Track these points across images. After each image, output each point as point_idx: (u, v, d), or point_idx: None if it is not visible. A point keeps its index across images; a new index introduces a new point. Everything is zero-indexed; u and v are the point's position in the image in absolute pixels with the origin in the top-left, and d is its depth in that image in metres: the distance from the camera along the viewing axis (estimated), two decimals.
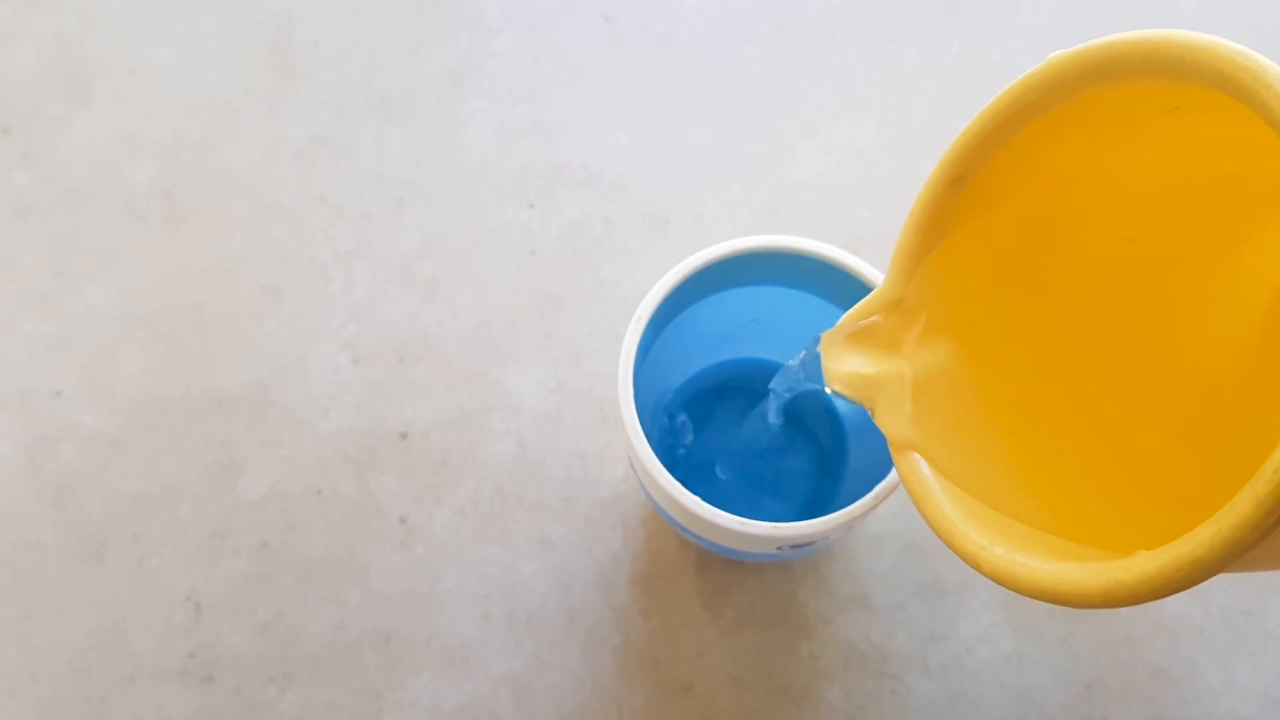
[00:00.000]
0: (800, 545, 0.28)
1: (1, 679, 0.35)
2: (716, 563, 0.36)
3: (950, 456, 0.22)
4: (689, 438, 0.36)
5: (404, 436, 0.37)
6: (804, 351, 0.26)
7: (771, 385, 0.29)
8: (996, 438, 0.23)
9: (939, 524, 0.21)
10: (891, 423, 0.23)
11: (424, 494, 0.37)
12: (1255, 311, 0.23)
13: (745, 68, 0.43)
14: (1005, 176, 0.22)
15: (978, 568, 0.20)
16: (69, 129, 0.42)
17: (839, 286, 0.29)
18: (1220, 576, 0.16)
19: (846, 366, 0.24)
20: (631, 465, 0.31)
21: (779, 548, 0.28)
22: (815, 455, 0.36)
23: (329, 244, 0.40)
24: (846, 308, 0.30)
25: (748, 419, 0.33)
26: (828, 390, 0.24)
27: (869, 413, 0.24)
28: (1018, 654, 0.35)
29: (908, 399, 0.23)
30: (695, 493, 0.27)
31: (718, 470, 0.35)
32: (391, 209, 0.40)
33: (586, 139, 0.41)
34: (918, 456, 0.22)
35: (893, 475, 0.27)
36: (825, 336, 0.24)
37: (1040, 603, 0.35)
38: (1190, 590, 0.35)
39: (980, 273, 0.23)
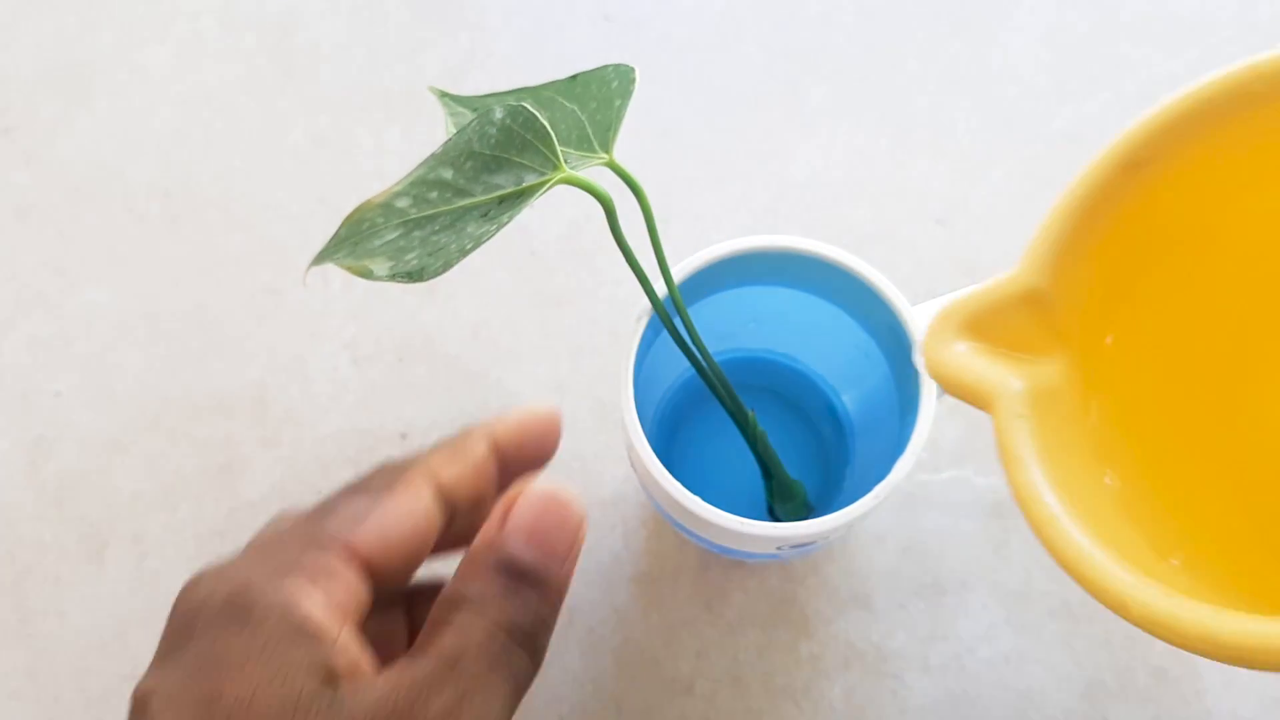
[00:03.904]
0: (800, 545, 0.28)
1: (1, 679, 0.35)
2: (716, 563, 0.36)
3: (1075, 475, 0.19)
4: (689, 437, 0.36)
5: (404, 436, 0.37)
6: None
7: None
8: (1127, 466, 0.20)
9: (1065, 554, 0.17)
10: (1008, 429, 0.19)
11: None
12: None
13: (745, 68, 0.43)
14: (1189, 184, 0.19)
15: (1124, 611, 0.16)
16: (69, 129, 0.42)
17: (839, 286, 0.29)
18: None
19: (957, 359, 0.20)
20: (631, 465, 0.31)
21: (779, 548, 0.28)
22: (818, 455, 0.36)
23: None
24: (846, 307, 0.30)
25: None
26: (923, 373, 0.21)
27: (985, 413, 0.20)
28: (1018, 654, 0.35)
29: (1030, 406, 0.19)
30: (695, 493, 0.27)
31: (718, 470, 0.35)
32: None
33: None
34: (1037, 473, 0.18)
35: (893, 475, 0.27)
36: (938, 317, 0.21)
37: (1040, 602, 0.35)
38: None
39: (1145, 290, 0.20)
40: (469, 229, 0.23)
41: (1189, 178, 0.19)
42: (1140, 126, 0.19)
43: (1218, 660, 0.15)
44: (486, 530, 0.23)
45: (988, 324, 0.20)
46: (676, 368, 0.34)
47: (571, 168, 0.23)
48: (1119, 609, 0.17)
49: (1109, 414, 0.20)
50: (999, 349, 0.20)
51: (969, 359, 0.20)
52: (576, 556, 0.23)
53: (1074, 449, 0.20)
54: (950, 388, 0.20)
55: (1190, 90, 0.18)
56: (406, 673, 0.21)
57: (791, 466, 0.32)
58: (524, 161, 0.23)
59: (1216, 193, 0.19)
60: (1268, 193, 0.19)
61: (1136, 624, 0.16)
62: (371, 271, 0.23)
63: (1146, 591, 0.16)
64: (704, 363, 0.28)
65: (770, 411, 0.36)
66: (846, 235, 0.40)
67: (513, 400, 0.38)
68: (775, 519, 0.34)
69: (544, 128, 0.22)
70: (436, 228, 0.23)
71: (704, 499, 0.27)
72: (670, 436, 0.36)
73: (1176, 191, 0.19)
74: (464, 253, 0.22)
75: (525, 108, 0.22)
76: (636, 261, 0.25)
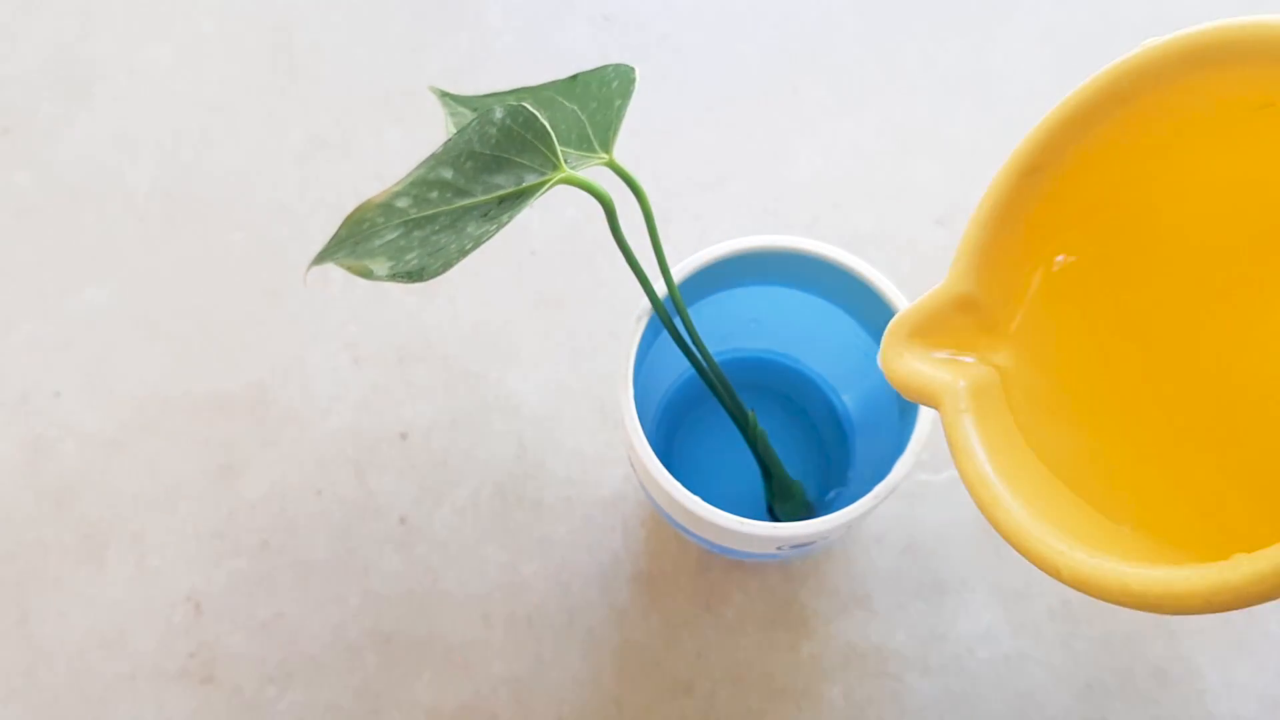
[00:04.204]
0: (800, 545, 0.28)
1: (1, 679, 0.35)
2: (716, 563, 0.36)
3: (1018, 459, 0.21)
4: (689, 437, 0.36)
5: (404, 436, 0.37)
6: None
7: None
8: (1072, 441, 0.22)
9: (1009, 530, 0.20)
10: (955, 424, 0.21)
11: (424, 494, 0.37)
12: None
13: (745, 68, 0.43)
14: (1088, 175, 0.21)
15: (1056, 574, 0.18)
16: (69, 129, 0.42)
17: (839, 286, 0.29)
18: None
19: (908, 365, 0.22)
20: (631, 465, 0.31)
21: (779, 548, 0.28)
22: (818, 455, 0.36)
23: None
24: (846, 307, 0.31)
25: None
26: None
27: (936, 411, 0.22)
28: (1018, 654, 0.35)
29: (972, 401, 0.21)
30: (695, 493, 0.27)
31: (718, 470, 0.35)
32: None
33: None
34: (983, 458, 0.21)
35: (893, 475, 0.27)
36: (887, 332, 0.23)
37: (1040, 602, 0.35)
38: None
39: (1064, 277, 0.22)
40: (469, 229, 0.23)
41: (1078, 176, 0.21)
42: (1031, 136, 0.21)
43: (1138, 609, 0.17)
44: None
45: (930, 330, 0.22)
46: (676, 368, 0.34)
47: (571, 168, 0.23)
48: (1053, 573, 0.19)
49: (1051, 398, 0.22)
50: (943, 351, 0.22)
51: (916, 364, 0.22)
52: None
53: (1019, 435, 0.22)
54: (905, 392, 0.23)
55: (1068, 96, 0.20)
56: None
57: (791, 466, 0.32)
58: (524, 161, 0.23)
59: (1105, 184, 0.22)
60: (1150, 182, 0.21)
61: (1068, 584, 0.18)
62: (372, 271, 0.23)
63: (1074, 556, 0.18)
64: (704, 363, 0.28)
65: (770, 411, 0.36)
66: (846, 235, 0.40)
67: (513, 400, 0.38)
68: (775, 519, 0.34)
69: (544, 128, 0.22)
70: (436, 228, 0.23)
71: (704, 499, 0.27)
72: (670, 436, 0.36)
73: (1072, 188, 0.21)
74: (464, 253, 0.22)
75: (525, 108, 0.22)
76: (636, 261, 0.25)
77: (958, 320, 0.22)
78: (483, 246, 0.22)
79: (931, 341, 0.22)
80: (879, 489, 0.27)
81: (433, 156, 0.23)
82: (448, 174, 0.23)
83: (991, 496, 0.20)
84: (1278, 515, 0.18)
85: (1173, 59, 0.19)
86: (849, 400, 0.35)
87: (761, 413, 0.30)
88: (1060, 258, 0.22)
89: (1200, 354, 0.22)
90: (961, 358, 0.22)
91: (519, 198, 0.23)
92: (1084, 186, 0.21)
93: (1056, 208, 0.22)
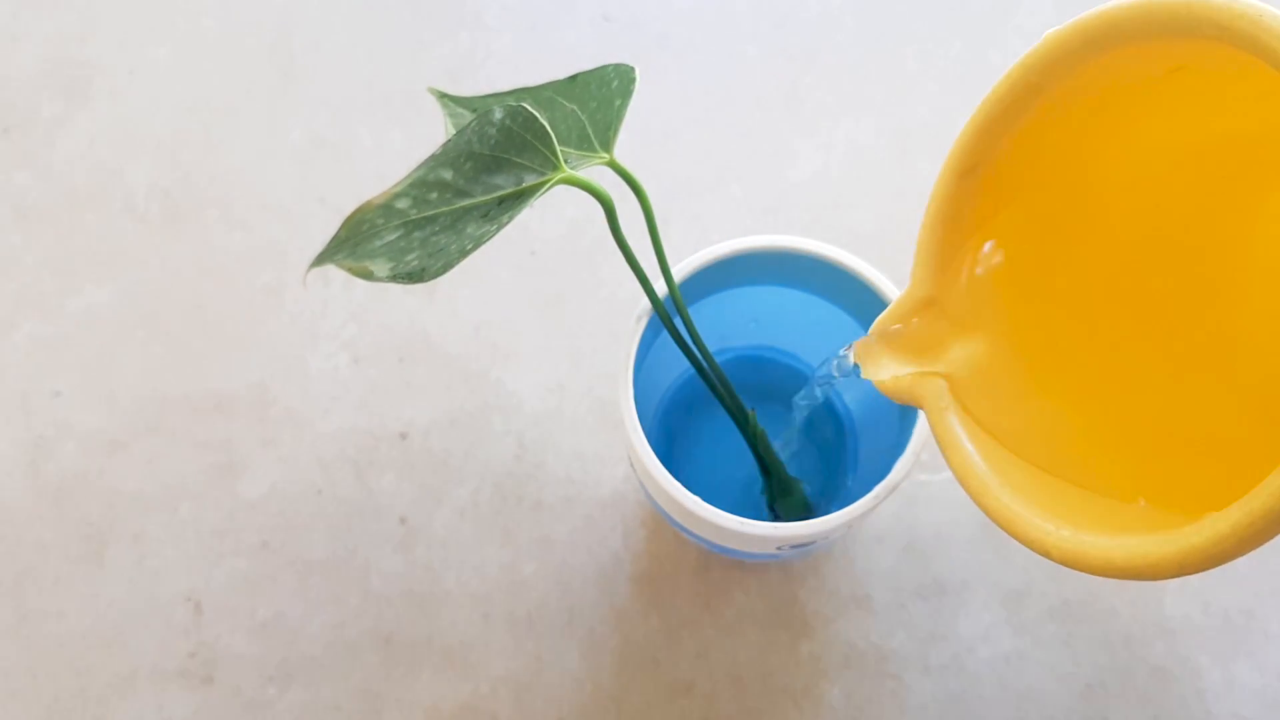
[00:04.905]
0: (800, 545, 0.28)
1: (1, 679, 0.35)
2: (716, 563, 0.36)
3: (1001, 435, 0.22)
4: (689, 437, 0.36)
5: (404, 436, 0.37)
6: (833, 359, 0.25)
7: (796, 399, 0.29)
8: (1046, 415, 0.23)
9: (1000, 515, 0.21)
10: (940, 421, 0.22)
11: (424, 494, 0.37)
12: None
13: (745, 68, 0.43)
14: (1020, 164, 0.22)
15: (1046, 553, 0.19)
16: (69, 129, 0.42)
17: (839, 286, 0.29)
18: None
19: (888, 373, 0.24)
20: (631, 465, 0.31)
21: (779, 548, 0.28)
22: (818, 455, 0.36)
23: None
24: (846, 307, 0.31)
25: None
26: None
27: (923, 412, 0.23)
28: (1018, 654, 0.35)
29: (953, 394, 0.22)
30: (695, 493, 0.27)
31: (719, 470, 0.35)
32: None
33: None
34: (970, 450, 0.22)
35: (893, 475, 0.27)
36: (860, 345, 0.24)
37: (1040, 602, 0.35)
38: (1190, 590, 0.35)
39: (1012, 261, 0.23)
40: (469, 229, 0.23)
41: (1012, 165, 0.22)
42: (960, 140, 0.22)
43: (1123, 578, 0.18)
44: None
45: (903, 335, 0.24)
46: (676, 368, 0.34)
47: (571, 168, 0.23)
48: (1043, 552, 0.19)
49: (1016, 382, 0.23)
50: (918, 352, 0.23)
51: (895, 369, 0.23)
52: None
53: (1009, 411, 0.23)
54: (891, 396, 0.24)
55: (985, 97, 0.21)
56: None
57: (791, 466, 0.32)
58: (524, 162, 0.23)
59: (1040, 167, 0.22)
60: (1082, 157, 0.22)
61: (1058, 562, 0.19)
62: (372, 272, 0.23)
63: (1060, 535, 0.19)
64: (704, 362, 0.28)
65: (770, 411, 0.36)
66: (846, 235, 0.40)
67: (513, 400, 0.38)
68: (776, 517, 0.34)
69: (544, 128, 0.22)
70: (437, 228, 0.23)
71: (704, 499, 0.27)
72: (670, 436, 0.36)
73: (1009, 177, 0.22)
74: (464, 253, 0.22)
75: (525, 108, 0.22)
76: (636, 261, 0.25)
77: (927, 322, 0.23)
78: (483, 247, 0.22)
79: (907, 345, 0.24)
80: (879, 489, 0.27)
81: (432, 157, 0.23)
82: (447, 175, 0.23)
83: (981, 485, 0.21)
84: (1241, 468, 0.18)
85: (1074, 45, 0.19)
86: (849, 400, 0.35)
87: (761, 412, 0.30)
88: (1000, 243, 0.23)
89: (1145, 319, 0.23)
90: (938, 355, 0.23)
91: (519, 198, 0.23)
92: (1020, 173, 0.22)
93: (997, 197, 0.22)
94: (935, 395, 0.23)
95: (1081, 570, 0.19)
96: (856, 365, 0.24)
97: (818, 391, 0.28)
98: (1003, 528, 0.20)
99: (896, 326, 0.24)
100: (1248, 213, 0.22)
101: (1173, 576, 0.17)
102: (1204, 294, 0.22)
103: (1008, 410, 0.23)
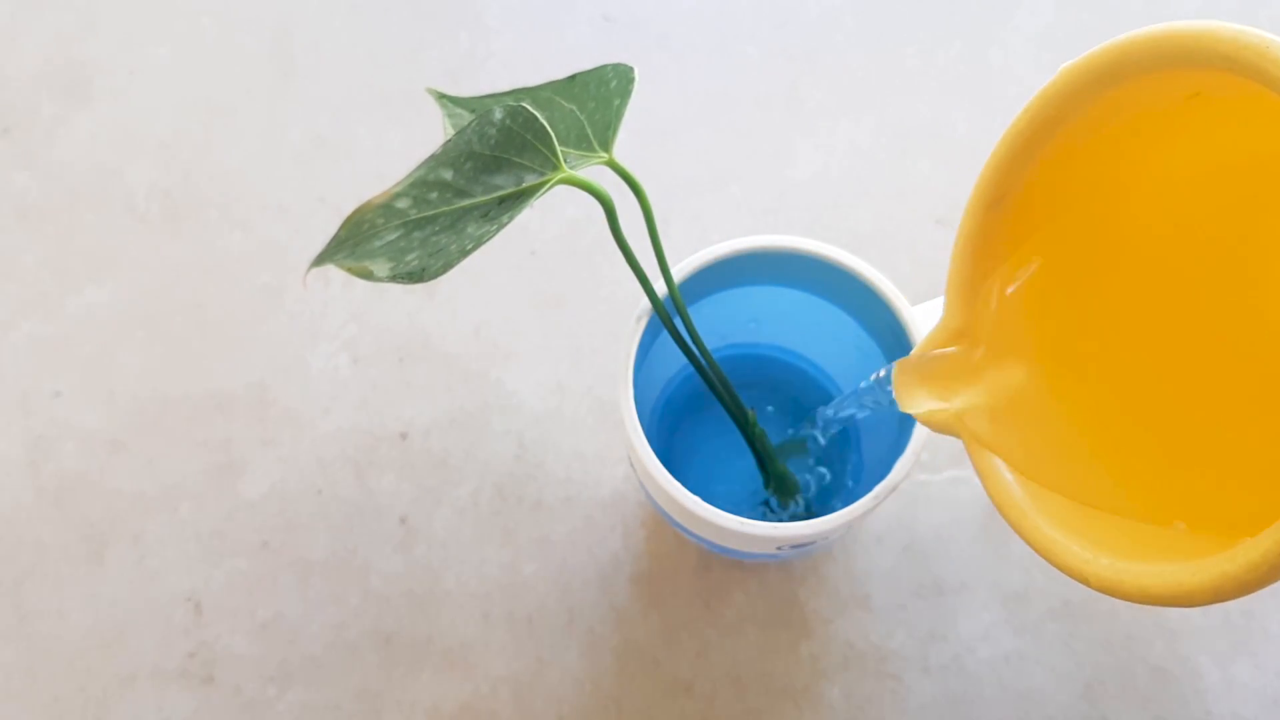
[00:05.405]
0: (800, 545, 0.28)
1: (1, 679, 0.35)
2: (716, 563, 0.36)
3: (1037, 467, 0.22)
4: (689, 437, 0.36)
5: (404, 436, 0.37)
6: (871, 388, 0.26)
7: (820, 417, 0.29)
8: (1081, 439, 0.23)
9: (1040, 544, 0.21)
10: (979, 453, 0.23)
11: (424, 494, 0.37)
12: None
13: (745, 68, 0.43)
14: (1047, 191, 0.22)
15: (1085, 582, 0.20)
16: (69, 129, 0.42)
17: (839, 286, 0.29)
18: None
19: (925, 406, 0.24)
20: (631, 465, 0.31)
21: (779, 548, 0.28)
22: (819, 455, 0.36)
23: None
24: (846, 307, 0.31)
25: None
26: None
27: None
28: (1018, 654, 0.35)
29: (989, 423, 0.23)
30: (695, 493, 0.27)
31: (719, 470, 0.35)
32: None
33: None
34: (1010, 479, 0.22)
35: (893, 475, 0.27)
36: (897, 377, 0.24)
37: (1040, 602, 0.35)
38: None
39: (1043, 287, 0.23)
40: (469, 229, 0.23)
41: (1039, 194, 0.22)
42: (984, 173, 0.22)
43: (1160, 605, 0.18)
44: None
45: (936, 367, 0.24)
46: (676, 368, 0.34)
47: (571, 167, 0.23)
48: (1083, 580, 0.20)
49: (1045, 407, 0.23)
50: (953, 383, 0.24)
51: (930, 401, 0.24)
52: None
53: (1044, 436, 0.23)
54: (928, 427, 0.24)
55: (1007, 130, 0.21)
56: None
57: (791, 466, 0.33)
58: (524, 162, 0.23)
59: (1066, 195, 0.23)
60: (1105, 183, 0.22)
61: (1097, 590, 0.19)
62: (372, 272, 0.23)
63: (1099, 564, 0.19)
64: (704, 362, 0.28)
65: (770, 411, 0.36)
66: (846, 235, 0.40)
67: (513, 400, 0.38)
68: (773, 510, 0.34)
69: (543, 128, 0.22)
70: (437, 228, 0.23)
71: (704, 499, 0.27)
72: (670, 436, 0.36)
73: (1038, 205, 0.22)
74: (464, 253, 0.22)
75: (524, 108, 0.22)
76: (636, 261, 0.25)
77: (961, 352, 0.24)
78: (483, 247, 0.22)
79: (942, 376, 0.24)
80: (879, 489, 0.27)
81: (432, 157, 0.23)
82: (447, 175, 0.23)
83: (1020, 514, 0.21)
84: (1272, 494, 0.18)
85: (1089, 78, 0.20)
86: None
87: (761, 412, 0.30)
88: (1031, 269, 0.23)
89: (1177, 343, 0.23)
90: (974, 384, 0.23)
91: (519, 198, 0.23)
92: (1048, 199, 0.23)
93: (1025, 224, 0.23)
94: (972, 424, 0.23)
95: (1119, 598, 0.19)
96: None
97: (859, 414, 0.28)
98: (1043, 556, 0.21)
99: (931, 356, 0.24)
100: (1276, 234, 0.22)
101: (1209, 603, 0.17)
102: (1237, 313, 0.23)
103: (1042, 437, 0.23)
